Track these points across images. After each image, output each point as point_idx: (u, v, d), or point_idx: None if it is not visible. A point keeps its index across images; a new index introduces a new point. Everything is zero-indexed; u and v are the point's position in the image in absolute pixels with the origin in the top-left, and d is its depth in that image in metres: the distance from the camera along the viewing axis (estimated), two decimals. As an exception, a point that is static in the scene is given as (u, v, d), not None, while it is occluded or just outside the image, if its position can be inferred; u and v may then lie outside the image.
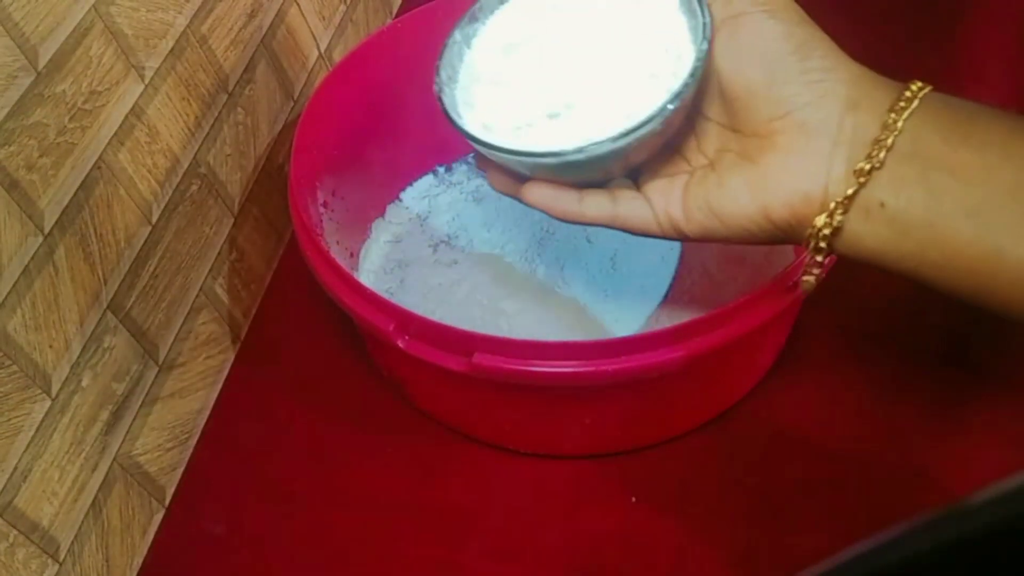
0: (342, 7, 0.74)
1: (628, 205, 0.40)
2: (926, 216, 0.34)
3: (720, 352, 0.46)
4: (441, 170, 0.68)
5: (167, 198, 0.54)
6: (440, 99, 0.42)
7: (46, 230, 0.45)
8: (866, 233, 0.36)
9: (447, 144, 0.62)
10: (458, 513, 0.53)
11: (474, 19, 0.44)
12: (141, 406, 0.53)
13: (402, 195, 0.67)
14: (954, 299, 0.35)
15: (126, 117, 0.50)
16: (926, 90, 0.35)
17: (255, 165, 0.63)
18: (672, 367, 0.45)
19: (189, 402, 0.58)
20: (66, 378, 0.46)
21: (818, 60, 0.36)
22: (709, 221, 0.39)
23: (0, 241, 0.42)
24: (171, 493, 0.56)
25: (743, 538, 0.50)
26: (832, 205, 0.35)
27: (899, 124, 0.34)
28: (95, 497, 0.49)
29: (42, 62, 0.44)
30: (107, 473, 0.50)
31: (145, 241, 0.52)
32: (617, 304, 0.58)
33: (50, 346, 0.45)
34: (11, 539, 0.44)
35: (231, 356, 0.62)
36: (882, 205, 0.35)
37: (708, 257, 0.60)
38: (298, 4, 0.67)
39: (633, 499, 0.52)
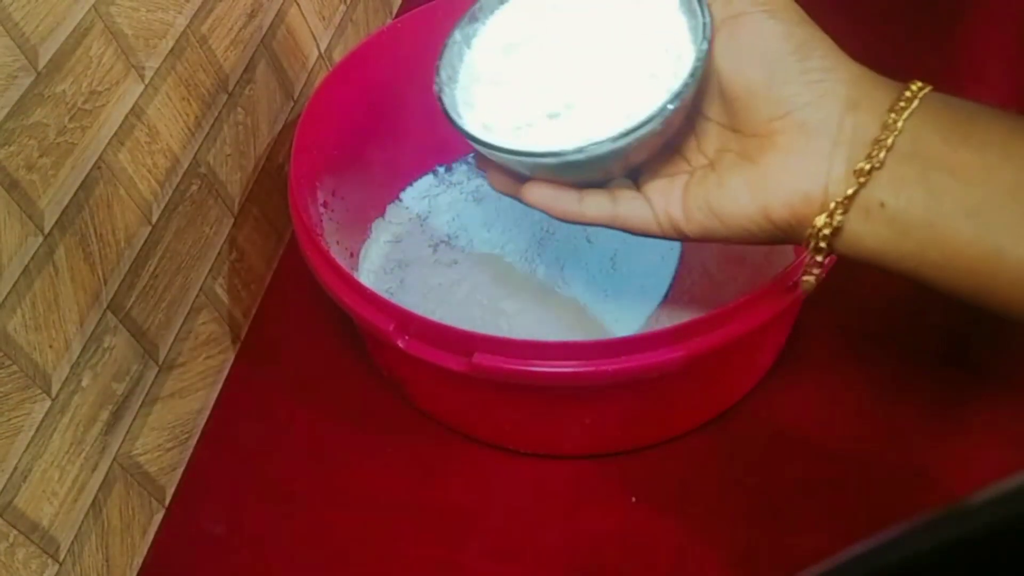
0: (342, 7, 0.74)
1: (628, 205, 0.40)
2: (926, 216, 0.34)
3: (720, 352, 0.46)
4: (441, 170, 0.68)
5: (167, 198, 0.54)
6: (440, 99, 0.42)
7: (46, 230, 0.45)
8: (866, 233, 0.36)
9: (447, 144, 0.62)
10: (458, 513, 0.53)
11: (474, 19, 0.44)
12: (141, 406, 0.53)
13: (402, 195, 0.67)
14: (954, 299, 0.35)
15: (126, 117, 0.50)
16: (926, 90, 0.35)
17: (255, 165, 0.63)
18: (672, 367, 0.45)
19: (189, 402, 0.58)
20: (66, 378, 0.46)
21: (818, 60, 0.36)
22: (709, 221, 0.39)
23: (0, 241, 0.42)
24: (171, 493, 0.56)
25: (743, 538, 0.50)
26: (832, 205, 0.35)
27: (899, 124, 0.34)
28: (95, 497, 0.49)
29: (42, 62, 0.44)
30: (107, 473, 0.50)
31: (145, 241, 0.52)
32: (617, 304, 0.58)
33: (50, 346, 0.45)
34: (11, 539, 0.44)
35: (231, 356, 0.62)
36: (882, 205, 0.35)
37: (708, 257, 0.60)
38: (298, 4, 0.67)
39: (633, 499, 0.52)
